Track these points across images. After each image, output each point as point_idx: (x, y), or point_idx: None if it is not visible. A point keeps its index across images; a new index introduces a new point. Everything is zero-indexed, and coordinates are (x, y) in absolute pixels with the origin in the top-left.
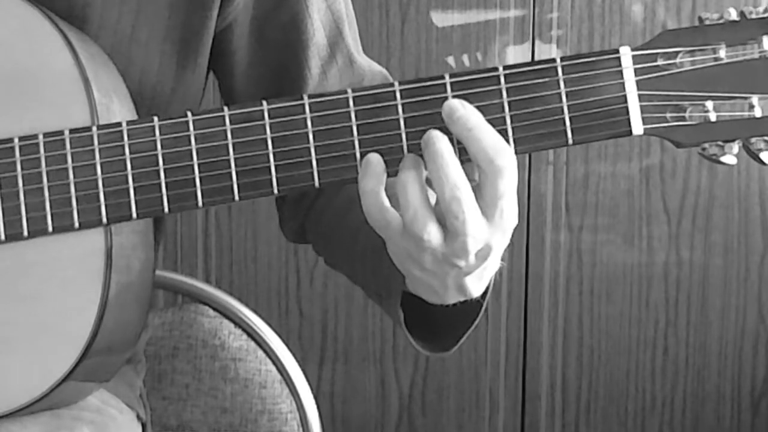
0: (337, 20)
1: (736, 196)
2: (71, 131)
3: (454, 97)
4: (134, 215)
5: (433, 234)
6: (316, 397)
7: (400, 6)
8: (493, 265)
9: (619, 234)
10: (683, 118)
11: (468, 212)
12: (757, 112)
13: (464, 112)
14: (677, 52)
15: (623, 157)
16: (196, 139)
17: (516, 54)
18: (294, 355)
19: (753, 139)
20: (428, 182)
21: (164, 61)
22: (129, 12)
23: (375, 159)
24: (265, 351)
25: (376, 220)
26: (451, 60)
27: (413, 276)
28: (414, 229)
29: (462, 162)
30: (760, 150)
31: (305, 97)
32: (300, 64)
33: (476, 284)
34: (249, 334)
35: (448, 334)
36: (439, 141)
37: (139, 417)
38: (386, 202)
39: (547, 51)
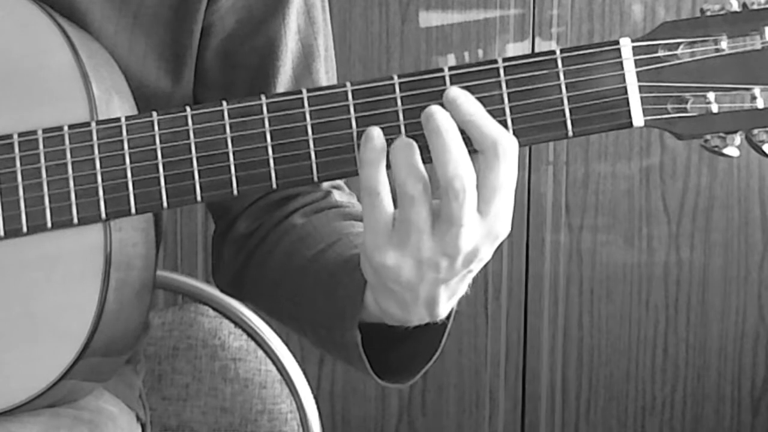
0: (307, 55)
1: (736, 196)
2: (70, 127)
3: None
4: (133, 210)
5: (421, 195)
6: (316, 397)
7: (400, 6)
8: (466, 280)
9: (619, 234)
10: (685, 110)
11: (469, 194)
12: (760, 104)
13: (466, 98)
14: (678, 44)
15: (623, 157)
16: (194, 134)
17: (516, 52)
18: (294, 355)
19: (755, 131)
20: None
21: (160, 74)
22: (126, 26)
23: (376, 132)
24: (265, 351)
25: (369, 192)
26: (451, 58)
27: (385, 288)
28: (405, 188)
29: None
30: (763, 142)
31: (304, 91)
32: (268, 88)
33: (446, 301)
34: (249, 334)
35: (403, 368)
36: (442, 116)
37: (138, 417)
38: (384, 176)
39: (547, 49)
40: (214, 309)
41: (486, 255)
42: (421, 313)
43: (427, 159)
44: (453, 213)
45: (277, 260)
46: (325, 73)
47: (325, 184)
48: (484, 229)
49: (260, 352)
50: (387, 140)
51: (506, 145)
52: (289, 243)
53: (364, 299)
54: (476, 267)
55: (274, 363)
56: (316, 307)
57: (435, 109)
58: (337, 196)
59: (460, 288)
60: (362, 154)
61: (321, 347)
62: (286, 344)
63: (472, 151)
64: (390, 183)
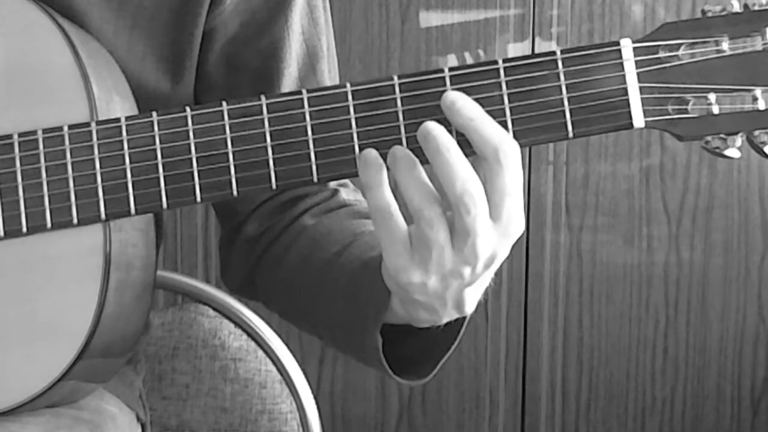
0: (311, 55)
1: (736, 196)
2: (70, 127)
3: (453, 90)
4: (133, 211)
5: (438, 215)
6: (316, 397)
7: (400, 6)
8: (489, 277)
9: (619, 234)
10: (685, 111)
11: (480, 206)
12: (761, 105)
13: (464, 102)
14: (679, 45)
15: (623, 156)
16: (194, 134)
17: (516, 52)
18: (294, 355)
19: (756, 132)
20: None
21: (159, 76)
22: (124, 27)
23: (372, 154)
24: (265, 351)
25: (381, 214)
26: (452, 59)
27: (412, 300)
28: (422, 212)
29: None
30: (764, 143)
31: (304, 91)
32: (273, 90)
33: (473, 299)
34: (249, 334)
35: (422, 363)
36: (440, 133)
37: (138, 417)
38: (390, 192)
39: (547, 49)
40: (214, 309)
41: (504, 254)
42: (451, 314)
43: (425, 160)
44: (467, 226)
45: (290, 262)
46: (329, 73)
47: (332, 183)
48: (499, 232)
49: (260, 352)
50: (387, 142)
51: (507, 150)
52: (302, 245)
53: (391, 304)
54: (496, 265)
55: (274, 363)
56: (334, 310)
57: (431, 127)
58: (344, 194)
59: (484, 284)
60: (364, 178)
61: (335, 347)
62: (286, 344)
63: (472, 154)
64: (392, 186)
